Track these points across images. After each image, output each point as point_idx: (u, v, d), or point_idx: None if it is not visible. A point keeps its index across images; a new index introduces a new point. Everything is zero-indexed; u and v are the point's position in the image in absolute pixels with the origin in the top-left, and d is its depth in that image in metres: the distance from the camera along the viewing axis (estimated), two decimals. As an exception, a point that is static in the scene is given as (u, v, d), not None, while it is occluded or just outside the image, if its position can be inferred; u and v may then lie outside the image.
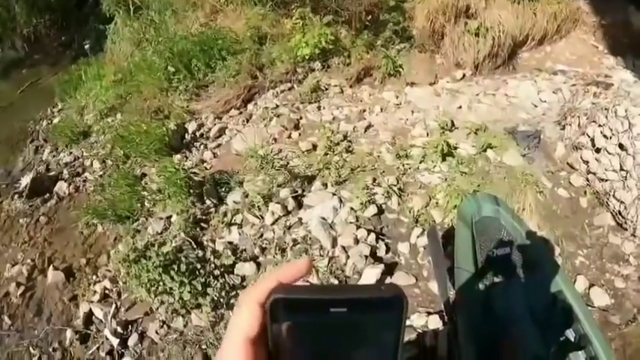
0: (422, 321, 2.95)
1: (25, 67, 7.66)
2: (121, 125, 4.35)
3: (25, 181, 4.90)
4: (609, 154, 3.62)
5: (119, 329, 3.40)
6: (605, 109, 3.74)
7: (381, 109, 4.27)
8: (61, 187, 4.51)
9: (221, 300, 2.99)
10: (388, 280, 3.16)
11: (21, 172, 5.35)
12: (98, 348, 3.45)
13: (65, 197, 4.45)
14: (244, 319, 0.39)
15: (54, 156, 5.03)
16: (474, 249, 2.23)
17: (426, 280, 3.27)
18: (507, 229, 2.18)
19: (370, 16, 5.05)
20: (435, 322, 2.92)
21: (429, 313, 3.04)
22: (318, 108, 4.16)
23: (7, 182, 5.34)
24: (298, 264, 0.43)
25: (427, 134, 4.12)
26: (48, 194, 4.60)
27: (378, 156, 3.71)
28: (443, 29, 5.27)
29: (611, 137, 3.61)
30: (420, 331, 2.94)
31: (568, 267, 3.28)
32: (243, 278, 3.05)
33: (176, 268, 3.02)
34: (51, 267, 4.08)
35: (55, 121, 5.63)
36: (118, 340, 3.34)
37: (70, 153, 4.84)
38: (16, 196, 4.90)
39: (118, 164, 4.18)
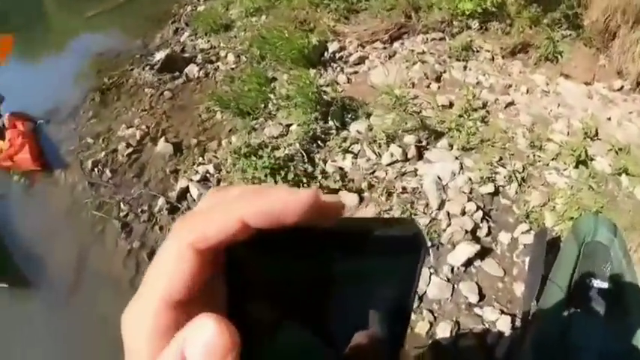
0: (493, 316, 2.82)
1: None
2: (263, 26, 4.39)
3: (160, 55, 5.17)
4: None
5: (209, 213, 3.55)
6: None
7: (527, 91, 3.95)
8: (192, 69, 4.70)
9: (314, 220, 3.00)
10: (478, 264, 3.03)
11: (157, 47, 5.64)
12: (183, 223, 3.66)
13: (193, 80, 4.64)
14: (165, 271, 0.23)
15: (191, 40, 5.23)
16: (574, 269, 2.07)
17: (514, 278, 3.09)
18: (614, 264, 2.02)
19: (545, -10, 4.60)
20: (504, 323, 2.78)
21: (502, 312, 2.89)
22: (464, 68, 3.93)
23: (142, 53, 5.68)
24: (286, 196, 0.23)
25: (568, 134, 3.81)
26: (178, 73, 4.82)
27: (512, 137, 3.47)
28: (617, 30, 4.70)
29: None
30: (487, 326, 2.82)
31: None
32: (343, 206, 3.03)
33: (283, 174, 3.07)
34: (163, 138, 4.31)
35: (200, 9, 5.82)
36: (203, 221, 3.49)
37: (208, 41, 5.00)
38: (147, 67, 5.21)
39: (252, 62, 4.25)
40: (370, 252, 0.26)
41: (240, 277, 0.25)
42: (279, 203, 0.23)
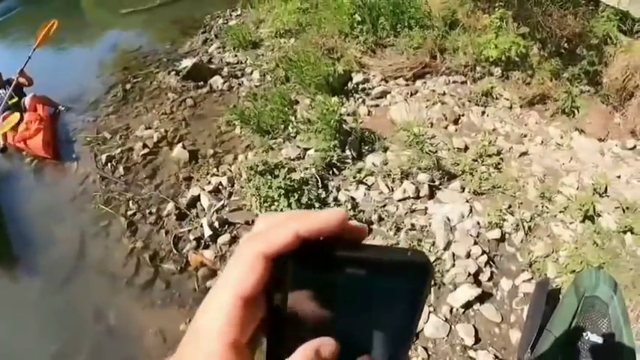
0: (487, 360, 2.84)
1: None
2: (291, 49, 4.49)
3: (186, 63, 5.28)
4: None
5: (216, 224, 3.55)
6: None
7: (542, 142, 4.02)
8: (217, 81, 4.79)
9: (321, 245, 3.04)
10: (477, 307, 3.06)
11: (185, 54, 5.76)
12: (190, 230, 3.65)
13: (217, 91, 4.72)
14: (241, 272, 0.30)
15: (219, 52, 5.34)
16: (571, 322, 2.10)
17: (510, 325, 3.11)
18: (611, 321, 2.04)
19: (568, 45, 4.70)
20: (498, 369, 2.80)
21: (496, 357, 2.91)
22: (483, 113, 4.01)
23: (169, 57, 5.81)
24: (327, 215, 0.31)
25: (577, 188, 3.86)
26: (202, 82, 4.91)
27: (523, 186, 3.53)
28: (635, 90, 4.79)
29: None
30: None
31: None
32: (351, 235, 3.08)
33: (296, 197, 3.12)
34: (180, 144, 4.35)
35: (231, 23, 5.96)
36: (210, 232, 3.49)
37: (235, 56, 5.11)
38: (172, 73, 5.30)
39: (276, 83, 4.34)
40: (382, 273, 0.31)
41: (281, 283, 0.31)
42: (322, 219, 0.31)
